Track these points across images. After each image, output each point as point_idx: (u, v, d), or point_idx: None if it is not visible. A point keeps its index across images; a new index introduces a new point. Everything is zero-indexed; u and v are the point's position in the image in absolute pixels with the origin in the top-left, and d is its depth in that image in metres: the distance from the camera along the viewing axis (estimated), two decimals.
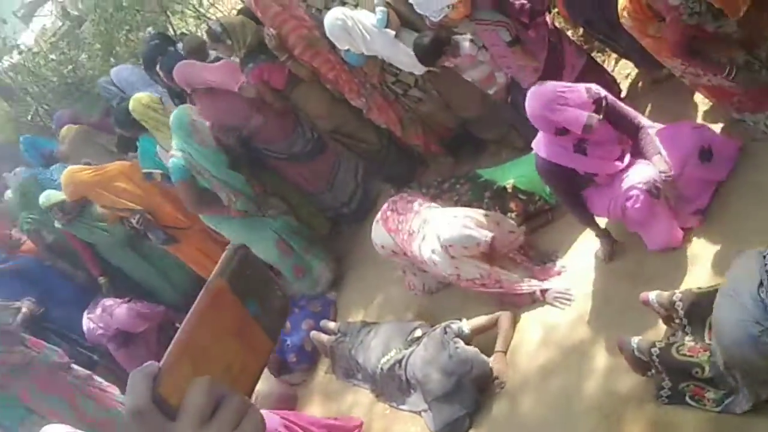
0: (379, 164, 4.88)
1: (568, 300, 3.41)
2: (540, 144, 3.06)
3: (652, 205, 2.98)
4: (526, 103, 2.95)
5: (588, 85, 2.94)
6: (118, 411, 5.10)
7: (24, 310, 5.38)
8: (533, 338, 3.46)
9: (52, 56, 8.60)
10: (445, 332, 3.42)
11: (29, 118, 9.60)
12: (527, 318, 3.56)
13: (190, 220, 5.12)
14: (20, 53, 9.18)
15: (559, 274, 3.57)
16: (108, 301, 5.25)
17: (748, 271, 2.21)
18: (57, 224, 5.27)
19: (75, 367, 5.16)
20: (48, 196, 5.18)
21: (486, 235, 3.40)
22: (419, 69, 3.97)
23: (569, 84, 3.01)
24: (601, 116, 2.88)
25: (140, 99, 4.76)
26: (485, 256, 3.47)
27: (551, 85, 2.93)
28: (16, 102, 10.03)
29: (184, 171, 4.37)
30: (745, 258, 2.29)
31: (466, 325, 3.47)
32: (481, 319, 3.53)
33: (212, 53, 5.09)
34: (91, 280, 5.73)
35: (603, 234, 3.33)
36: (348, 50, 4.00)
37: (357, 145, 4.81)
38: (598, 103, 2.88)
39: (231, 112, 4.65)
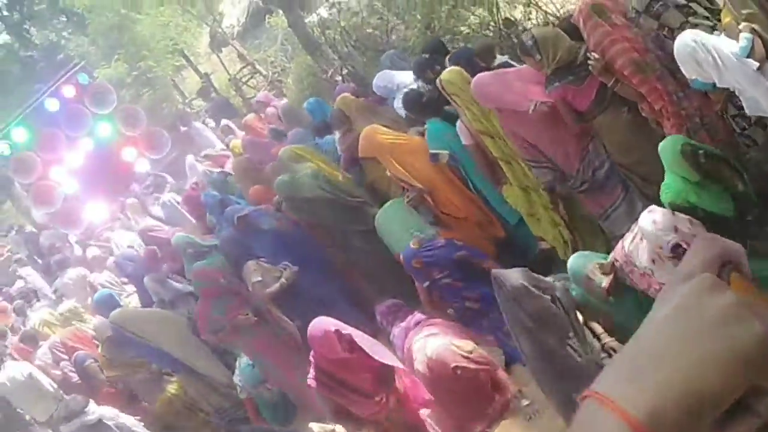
0: None
1: None
2: None
3: None
4: None
5: None
6: None
7: (282, 280, 6.18)
8: None
9: (370, 19, 9.73)
10: None
11: (328, 75, 10.96)
12: None
13: (468, 211, 5.62)
14: (339, 11, 10.51)
15: None
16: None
17: None
18: None
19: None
20: None
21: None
22: None
23: None
24: None
25: (459, 70, 5.36)
26: None
27: None
28: (320, 58, 11.50)
29: None
30: None
31: None
32: None
33: (499, 58, 5.67)
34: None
35: None
36: (695, 79, 4.10)
37: (648, 188, 4.89)
38: None
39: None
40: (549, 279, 4.08)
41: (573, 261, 4.31)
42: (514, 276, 3.90)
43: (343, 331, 4.61)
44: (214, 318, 6.28)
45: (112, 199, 13.64)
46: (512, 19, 7.84)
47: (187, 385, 7.14)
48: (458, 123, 5.48)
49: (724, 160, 4.09)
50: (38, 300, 11.68)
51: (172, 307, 7.18)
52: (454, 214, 5.76)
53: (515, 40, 7.27)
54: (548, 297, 3.82)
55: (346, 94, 7.29)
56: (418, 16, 8.35)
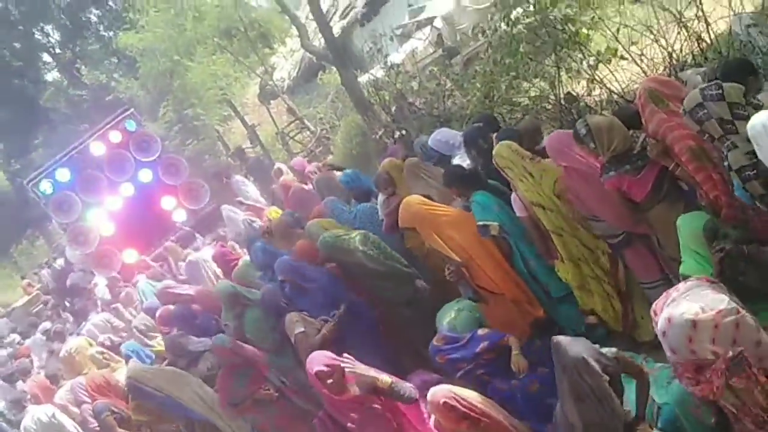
0: None
1: None
2: None
3: None
4: None
5: None
6: None
7: (324, 332, 6.15)
8: None
9: (427, 84, 9.98)
10: None
11: (378, 136, 11.19)
12: None
13: (505, 288, 5.72)
14: (396, 73, 10.80)
15: None
16: None
17: None
18: None
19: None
20: None
21: None
22: None
23: None
24: None
25: (508, 143, 5.57)
26: None
27: None
28: (370, 118, 11.76)
29: None
30: None
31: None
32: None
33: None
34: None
35: None
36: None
37: None
38: None
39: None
40: (611, 353, 4.10)
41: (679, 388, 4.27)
42: (576, 347, 3.93)
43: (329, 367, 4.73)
44: (235, 390, 6.40)
45: (147, 245, 14.11)
46: (574, 94, 7.99)
47: None
48: (513, 196, 5.66)
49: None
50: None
51: (193, 366, 7.28)
52: (490, 289, 5.82)
53: (576, 116, 7.40)
54: (606, 377, 3.85)
55: (393, 158, 7.49)
56: (478, 85, 8.57)
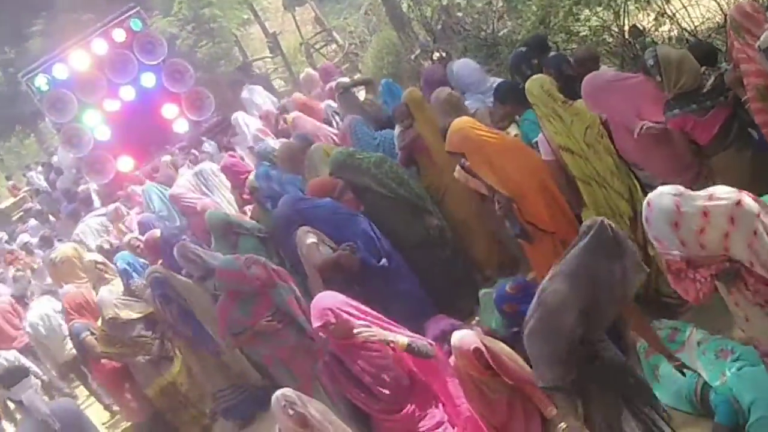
0: None
1: None
2: None
3: None
4: None
5: None
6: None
7: (341, 251, 6.14)
8: None
9: (476, 1, 9.84)
10: None
11: (413, 57, 11.06)
12: None
13: (557, 226, 5.66)
14: None
15: None
16: None
17: None
18: None
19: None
20: None
21: None
22: None
23: None
24: None
25: (542, 81, 5.48)
26: None
27: None
28: (407, 35, 11.61)
29: None
30: None
31: None
32: None
33: (603, 69, 5.85)
34: None
35: None
36: None
37: None
38: None
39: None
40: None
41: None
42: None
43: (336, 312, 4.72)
44: (236, 318, 6.39)
45: (144, 154, 14.33)
46: (640, 27, 7.81)
47: (195, 362, 7.41)
48: (539, 136, 5.63)
49: None
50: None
51: (203, 281, 7.34)
52: (540, 226, 5.66)
53: (639, 52, 7.25)
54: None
55: (415, 88, 7.46)
56: (533, 7, 8.44)
